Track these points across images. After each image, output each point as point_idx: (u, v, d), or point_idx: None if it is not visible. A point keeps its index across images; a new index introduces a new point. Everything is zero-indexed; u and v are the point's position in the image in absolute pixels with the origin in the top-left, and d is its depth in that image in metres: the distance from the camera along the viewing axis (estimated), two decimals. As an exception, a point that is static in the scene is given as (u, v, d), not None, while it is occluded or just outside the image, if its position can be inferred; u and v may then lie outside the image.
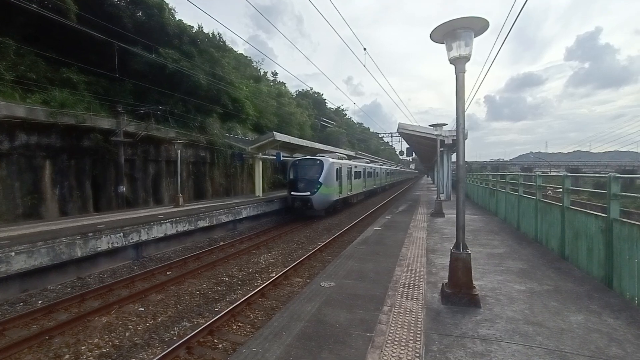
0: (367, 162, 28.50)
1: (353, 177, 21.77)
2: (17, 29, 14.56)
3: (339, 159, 19.94)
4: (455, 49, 4.11)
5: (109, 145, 14.73)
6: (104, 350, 4.90)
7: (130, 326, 5.68)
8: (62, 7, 14.69)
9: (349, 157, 25.87)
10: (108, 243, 8.89)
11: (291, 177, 17.63)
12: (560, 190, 6.30)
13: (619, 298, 4.20)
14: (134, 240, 9.68)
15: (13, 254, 6.89)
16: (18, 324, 5.74)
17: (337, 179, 18.06)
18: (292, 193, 17.02)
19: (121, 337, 5.31)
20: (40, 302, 6.80)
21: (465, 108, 4.48)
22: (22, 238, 7.74)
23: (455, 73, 4.21)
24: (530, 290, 4.57)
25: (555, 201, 6.69)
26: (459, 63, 4.15)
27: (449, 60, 4.25)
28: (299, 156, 20.85)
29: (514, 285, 4.79)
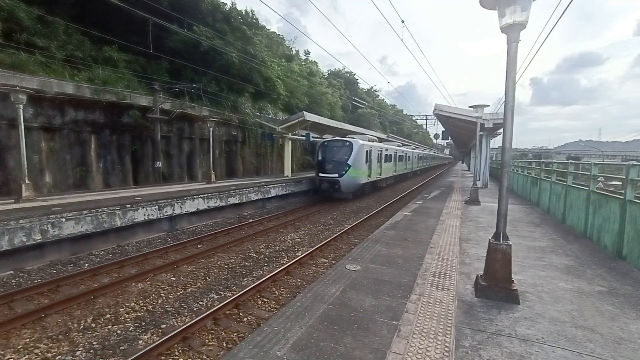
0: (398, 146, 27.50)
1: (383, 161, 21.11)
2: (65, 9, 15.25)
3: (369, 141, 19.27)
4: (508, 15, 3.61)
5: (147, 122, 15.34)
6: (139, 314, 5.20)
7: (163, 294, 5.98)
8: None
9: (380, 140, 25.10)
10: (144, 215, 9.37)
11: (319, 158, 17.31)
12: (614, 183, 5.57)
13: (688, 306, 3.67)
14: (168, 214, 10.14)
15: (64, 220, 7.47)
16: (69, 282, 6.32)
17: (366, 162, 17.52)
18: (320, 174, 16.74)
19: (154, 303, 5.60)
20: (86, 265, 7.38)
21: (516, 83, 3.98)
22: (71, 206, 8.35)
23: (507, 43, 3.72)
24: (579, 290, 4.13)
25: (611, 193, 5.96)
26: (512, 31, 3.65)
27: (501, 28, 3.75)
28: (328, 137, 20.53)
29: (559, 283, 4.37)
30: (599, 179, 7.20)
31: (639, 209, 4.86)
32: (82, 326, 4.77)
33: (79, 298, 5.57)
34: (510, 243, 3.84)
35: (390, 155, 23.37)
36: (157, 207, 9.74)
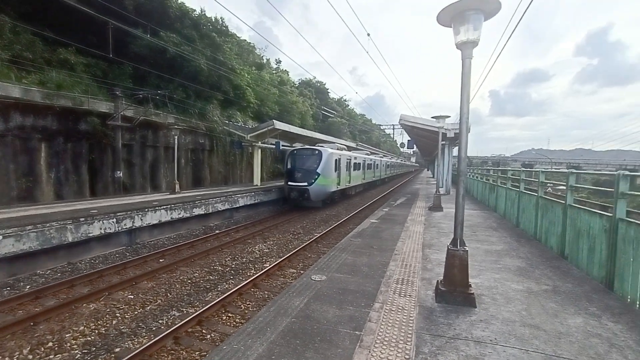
0: (367, 154, 28.08)
1: (352, 169, 21.36)
2: (13, 5, 14.15)
3: (338, 149, 19.51)
4: (463, 33, 3.85)
5: (107, 130, 14.49)
6: (89, 338, 4.80)
7: (118, 314, 5.58)
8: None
9: (349, 148, 25.51)
10: (100, 228, 8.76)
11: (288, 166, 17.22)
12: (562, 187, 6.08)
13: (620, 301, 4.04)
14: (128, 226, 9.56)
15: (0, 237, 6.76)
16: (3, 309, 5.64)
17: (335, 170, 17.67)
18: (289, 183, 16.61)
19: (108, 325, 5.20)
20: (28, 287, 6.70)
21: (470, 99, 4.24)
22: (12, 221, 7.60)
23: (462, 59, 3.96)
24: (528, 290, 4.41)
25: (556, 198, 6.48)
26: (466, 48, 3.90)
27: (456, 45, 4.00)
28: (298, 146, 20.57)
29: (511, 284, 4.64)
30: (547, 185, 7.81)
31: (577, 212, 5.33)
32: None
33: (14, 326, 4.94)
34: (467, 249, 4.03)
35: (359, 163, 23.61)
36: (115, 219, 9.15)
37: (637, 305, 3.82)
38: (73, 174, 13.79)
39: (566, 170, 6.09)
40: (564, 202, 5.78)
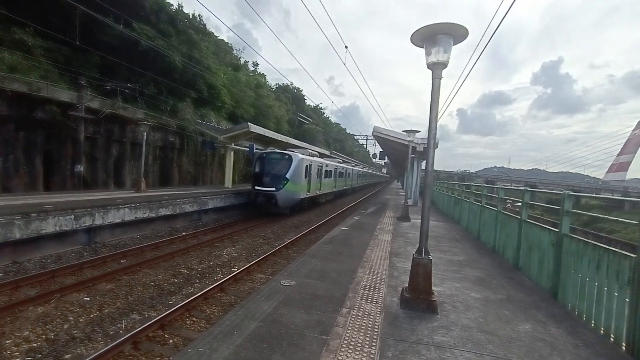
0: (339, 162, 28.22)
1: (323, 176, 21.04)
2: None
3: (310, 155, 19.20)
4: (434, 54, 4.12)
5: (68, 120, 13.59)
6: (34, 344, 4.43)
7: (71, 317, 5.21)
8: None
9: (321, 155, 25.61)
10: (55, 225, 8.15)
11: (257, 170, 16.50)
12: (519, 204, 6.58)
13: (562, 309, 4.43)
14: (87, 224, 8.97)
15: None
16: None
17: (305, 177, 17.23)
18: (256, 187, 15.90)
19: (57, 329, 4.84)
20: (-35, 286, 6.07)
21: (439, 117, 4.52)
22: (-49, 214, 6.89)
23: (432, 78, 4.23)
24: (486, 299, 4.72)
25: (514, 214, 7.00)
26: (436, 69, 4.16)
27: (427, 65, 4.25)
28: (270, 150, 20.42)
29: (471, 293, 4.93)
30: (507, 201, 8.38)
31: (531, 227, 5.80)
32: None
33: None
34: (431, 258, 4.25)
35: (331, 171, 23.33)
36: (73, 216, 8.56)
37: (576, 313, 4.22)
38: (25, 165, 12.74)
39: (522, 188, 6.61)
40: (519, 217, 6.26)
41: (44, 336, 4.64)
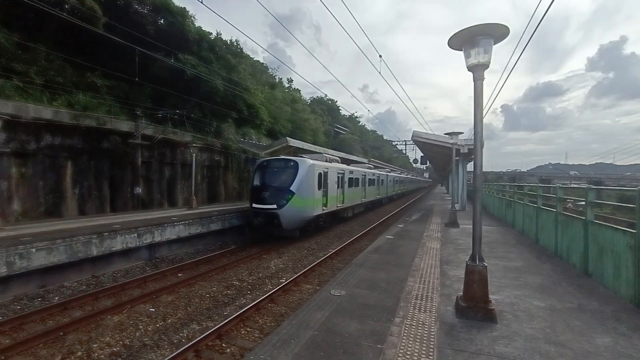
0: (369, 168, 24.75)
1: (347, 185, 17.53)
2: (48, 35, 15.28)
3: (327, 161, 16.01)
4: (473, 56, 4.03)
5: (127, 148, 15.16)
6: (115, 349, 4.95)
7: (141, 326, 5.73)
8: (91, 15, 15.36)
9: (343, 161, 21.30)
10: (122, 243, 9.06)
11: (255, 182, 13.25)
12: (582, 203, 6.03)
13: (649, 320, 3.94)
14: (148, 241, 9.84)
15: (34, 250, 7.11)
16: (36, 318, 5.91)
17: (320, 187, 13.81)
18: (254, 205, 12.62)
19: (131, 336, 5.35)
20: (57, 298, 6.98)
21: (483, 116, 4.37)
22: (43, 235, 7.98)
23: (474, 80, 4.13)
24: (551, 308, 4.35)
25: (577, 214, 6.40)
26: (477, 70, 4.06)
27: (467, 67, 4.17)
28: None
29: (533, 302, 4.58)
30: (568, 201, 7.70)
31: (599, 229, 5.26)
32: (49, 366, 4.47)
33: (46, 335, 5.19)
34: (486, 264, 4.05)
35: (357, 178, 19.58)
36: (136, 234, 9.46)
37: (667, 324, 3.73)
38: (95, 190, 14.38)
39: (585, 186, 6.05)
40: (584, 218, 5.72)
41: (121, 342, 5.17)
